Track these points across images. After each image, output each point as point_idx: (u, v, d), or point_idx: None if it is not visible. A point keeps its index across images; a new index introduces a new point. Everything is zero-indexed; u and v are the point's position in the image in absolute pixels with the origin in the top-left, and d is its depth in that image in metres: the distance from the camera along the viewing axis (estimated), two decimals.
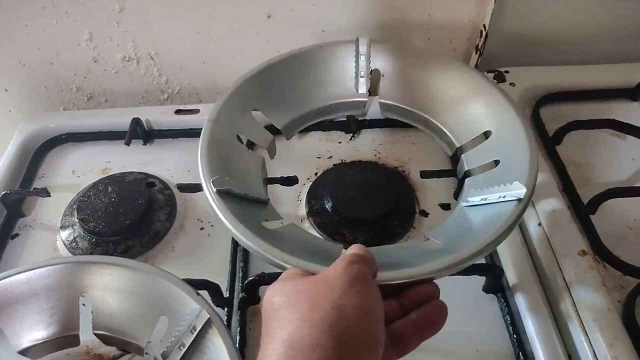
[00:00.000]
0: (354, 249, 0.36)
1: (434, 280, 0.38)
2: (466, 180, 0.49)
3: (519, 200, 0.40)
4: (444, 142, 0.54)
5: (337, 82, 0.55)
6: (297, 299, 0.31)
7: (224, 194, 0.42)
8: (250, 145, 0.52)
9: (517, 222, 0.40)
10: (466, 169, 0.50)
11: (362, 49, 0.53)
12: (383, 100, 0.55)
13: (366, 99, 0.55)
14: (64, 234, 0.54)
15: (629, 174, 0.58)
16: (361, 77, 0.54)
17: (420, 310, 0.36)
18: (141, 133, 0.63)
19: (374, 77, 0.55)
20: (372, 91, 0.55)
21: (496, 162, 0.47)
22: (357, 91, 0.55)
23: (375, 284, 0.33)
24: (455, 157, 0.52)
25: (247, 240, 0.39)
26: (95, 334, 0.43)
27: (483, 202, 0.43)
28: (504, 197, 0.41)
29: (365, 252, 0.35)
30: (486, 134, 0.50)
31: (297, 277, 0.34)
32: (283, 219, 0.46)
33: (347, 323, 0.29)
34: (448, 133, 0.53)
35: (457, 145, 0.52)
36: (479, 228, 0.42)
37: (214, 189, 0.41)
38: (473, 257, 0.38)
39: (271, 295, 0.33)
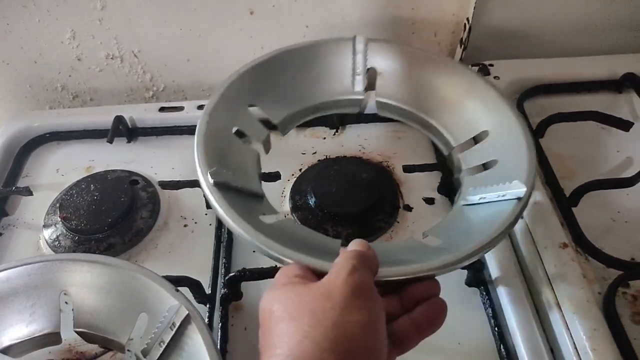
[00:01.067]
0: (356, 245, 0.35)
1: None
2: (464, 179, 0.48)
3: (519, 199, 0.40)
4: (441, 142, 0.53)
5: (334, 79, 0.55)
6: (299, 312, 0.30)
7: (221, 186, 0.41)
8: (245, 138, 0.51)
9: (517, 221, 0.40)
10: (464, 168, 0.49)
11: (359, 47, 0.53)
12: (379, 99, 0.55)
13: (362, 97, 0.55)
14: (47, 233, 0.54)
15: (613, 166, 0.58)
16: (357, 75, 0.54)
17: (420, 308, 0.36)
18: (125, 131, 0.63)
19: (371, 75, 0.55)
20: (369, 89, 0.55)
21: (494, 162, 0.47)
22: (354, 89, 0.54)
23: (377, 294, 0.32)
24: (450, 156, 0.52)
25: (246, 233, 0.38)
26: (77, 332, 0.43)
27: (482, 200, 0.43)
28: (503, 195, 0.41)
29: (367, 249, 0.34)
30: (483, 134, 0.49)
31: (298, 285, 0.33)
32: (279, 214, 0.45)
33: (350, 340, 0.29)
34: (444, 132, 0.52)
35: (454, 145, 0.51)
36: (479, 226, 0.42)
37: (211, 181, 0.40)
38: (474, 254, 0.37)
39: (270, 303, 0.32)
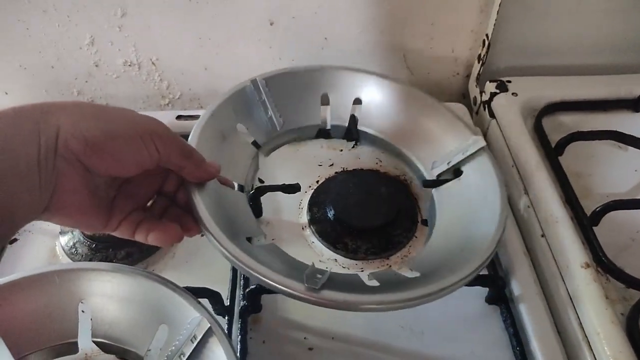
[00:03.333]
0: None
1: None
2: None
3: (483, 148, 0.47)
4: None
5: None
6: None
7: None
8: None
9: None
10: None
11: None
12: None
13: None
14: (64, 240, 0.53)
15: (631, 186, 0.58)
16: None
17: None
18: None
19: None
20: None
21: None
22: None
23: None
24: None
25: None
26: (94, 342, 0.42)
27: (449, 165, 0.49)
28: (466, 152, 0.47)
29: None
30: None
31: None
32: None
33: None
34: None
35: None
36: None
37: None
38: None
39: None
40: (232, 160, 0.50)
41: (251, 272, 0.38)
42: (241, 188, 0.50)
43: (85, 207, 0.35)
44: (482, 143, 0.50)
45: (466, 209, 0.48)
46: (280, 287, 0.37)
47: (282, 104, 0.55)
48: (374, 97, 0.57)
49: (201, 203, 0.40)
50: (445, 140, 0.54)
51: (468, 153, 0.50)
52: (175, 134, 0.37)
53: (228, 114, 0.52)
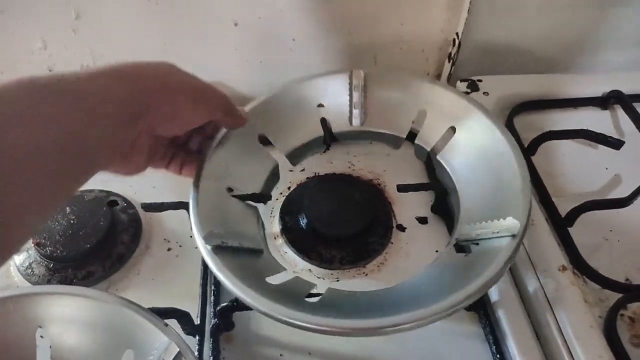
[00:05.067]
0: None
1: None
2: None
3: (513, 236, 0.39)
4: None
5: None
6: None
7: (218, 249, 0.40)
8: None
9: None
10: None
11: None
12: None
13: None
14: (19, 260, 0.50)
15: (602, 184, 0.58)
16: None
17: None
18: None
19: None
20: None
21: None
22: (351, 123, 0.55)
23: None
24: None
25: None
26: None
27: (477, 237, 0.42)
28: (497, 232, 0.40)
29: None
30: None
31: None
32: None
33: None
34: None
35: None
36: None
37: (208, 247, 0.40)
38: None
39: None
40: None
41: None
42: None
43: (145, 159, 0.40)
44: (516, 229, 0.40)
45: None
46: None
47: None
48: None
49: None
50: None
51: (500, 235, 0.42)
52: (217, 89, 0.41)
53: None
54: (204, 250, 0.40)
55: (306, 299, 0.40)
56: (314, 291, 0.42)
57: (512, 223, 0.39)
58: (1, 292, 0.41)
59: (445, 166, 0.51)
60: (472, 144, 0.50)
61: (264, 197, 0.50)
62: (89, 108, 0.32)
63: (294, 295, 0.40)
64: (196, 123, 0.41)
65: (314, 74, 0.54)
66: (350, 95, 0.54)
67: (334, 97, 0.54)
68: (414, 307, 0.36)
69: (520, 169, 0.44)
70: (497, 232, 0.40)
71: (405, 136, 0.54)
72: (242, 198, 0.48)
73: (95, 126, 0.32)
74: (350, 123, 0.55)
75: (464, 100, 0.51)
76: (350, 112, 0.54)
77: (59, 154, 0.29)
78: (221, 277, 0.39)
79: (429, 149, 0.53)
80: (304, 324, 0.36)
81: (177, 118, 0.39)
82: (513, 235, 0.39)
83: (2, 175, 0.26)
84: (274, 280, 0.41)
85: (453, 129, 0.51)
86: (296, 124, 0.54)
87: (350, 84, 0.53)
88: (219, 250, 0.40)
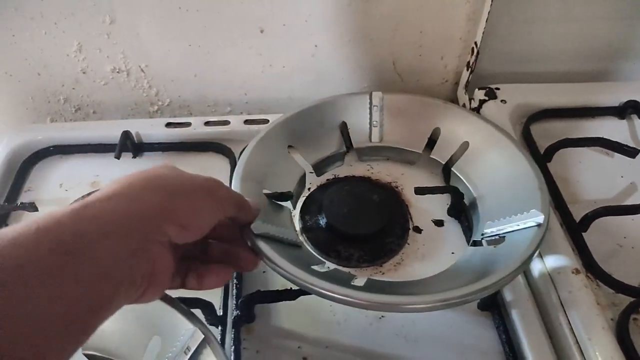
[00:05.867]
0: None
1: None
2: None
3: (539, 225, 0.43)
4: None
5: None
6: None
7: (261, 237, 0.42)
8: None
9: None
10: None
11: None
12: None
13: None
14: None
15: (617, 191, 0.59)
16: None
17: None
18: (131, 146, 0.62)
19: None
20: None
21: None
22: (370, 140, 0.60)
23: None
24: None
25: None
26: (85, 354, 0.42)
27: (500, 232, 0.46)
28: (524, 223, 0.44)
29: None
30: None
31: None
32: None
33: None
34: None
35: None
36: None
37: (254, 233, 0.42)
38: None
39: None
40: None
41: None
42: None
43: (169, 278, 0.35)
44: (541, 219, 0.44)
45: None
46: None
47: None
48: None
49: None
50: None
51: (526, 226, 0.45)
52: (228, 188, 0.40)
53: None
54: (255, 240, 0.42)
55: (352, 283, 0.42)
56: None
57: (536, 213, 0.42)
58: None
59: (461, 176, 0.56)
60: (486, 156, 0.54)
61: (286, 196, 0.53)
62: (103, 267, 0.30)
63: (340, 281, 0.41)
64: (212, 221, 0.37)
65: (337, 95, 0.59)
66: (370, 114, 0.59)
67: (355, 116, 0.59)
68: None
69: (534, 171, 0.48)
70: (524, 222, 0.43)
71: (421, 151, 0.59)
72: (269, 197, 0.51)
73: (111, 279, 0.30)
74: (370, 139, 0.60)
75: (475, 117, 0.57)
76: (370, 129, 0.59)
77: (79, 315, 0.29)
78: (277, 259, 0.41)
79: (444, 162, 0.57)
80: (360, 302, 0.39)
81: (195, 217, 0.35)
82: (538, 225, 0.42)
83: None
84: (318, 269, 0.44)
85: (467, 144, 0.56)
86: (320, 138, 0.58)
87: (370, 103, 0.58)
88: (266, 239, 0.42)
